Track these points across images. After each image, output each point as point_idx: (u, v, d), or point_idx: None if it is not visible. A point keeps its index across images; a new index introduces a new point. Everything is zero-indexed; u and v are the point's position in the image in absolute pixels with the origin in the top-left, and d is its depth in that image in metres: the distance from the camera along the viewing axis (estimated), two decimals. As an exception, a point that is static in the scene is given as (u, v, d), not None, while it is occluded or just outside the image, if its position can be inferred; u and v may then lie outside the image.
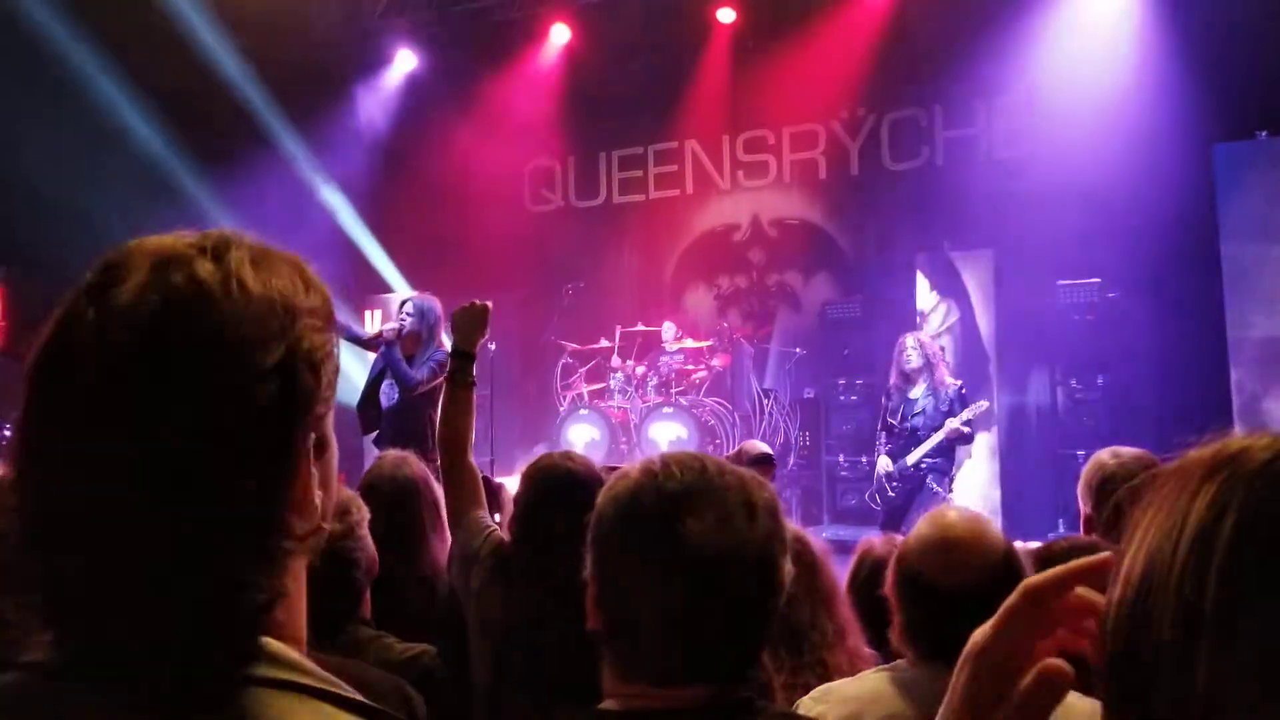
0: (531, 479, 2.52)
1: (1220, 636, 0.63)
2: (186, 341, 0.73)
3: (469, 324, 2.88)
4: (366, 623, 2.18)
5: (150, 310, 0.73)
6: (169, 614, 0.72)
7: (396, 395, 5.89)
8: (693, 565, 1.17)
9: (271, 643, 0.76)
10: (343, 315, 6.75)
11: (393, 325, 5.96)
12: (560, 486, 2.43)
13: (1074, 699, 1.56)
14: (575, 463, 2.53)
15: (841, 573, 2.61)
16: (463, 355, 2.82)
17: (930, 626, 1.82)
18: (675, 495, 1.20)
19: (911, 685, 1.83)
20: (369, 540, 2.18)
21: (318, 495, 0.80)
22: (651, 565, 1.18)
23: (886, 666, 1.93)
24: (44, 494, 0.74)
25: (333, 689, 0.76)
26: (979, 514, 1.97)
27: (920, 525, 1.93)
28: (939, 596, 1.80)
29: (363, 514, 2.18)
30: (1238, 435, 0.67)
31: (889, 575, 1.92)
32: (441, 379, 5.71)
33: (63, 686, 0.74)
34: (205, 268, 0.75)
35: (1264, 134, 7.23)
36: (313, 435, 0.79)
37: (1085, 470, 2.80)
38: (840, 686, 1.90)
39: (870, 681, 1.89)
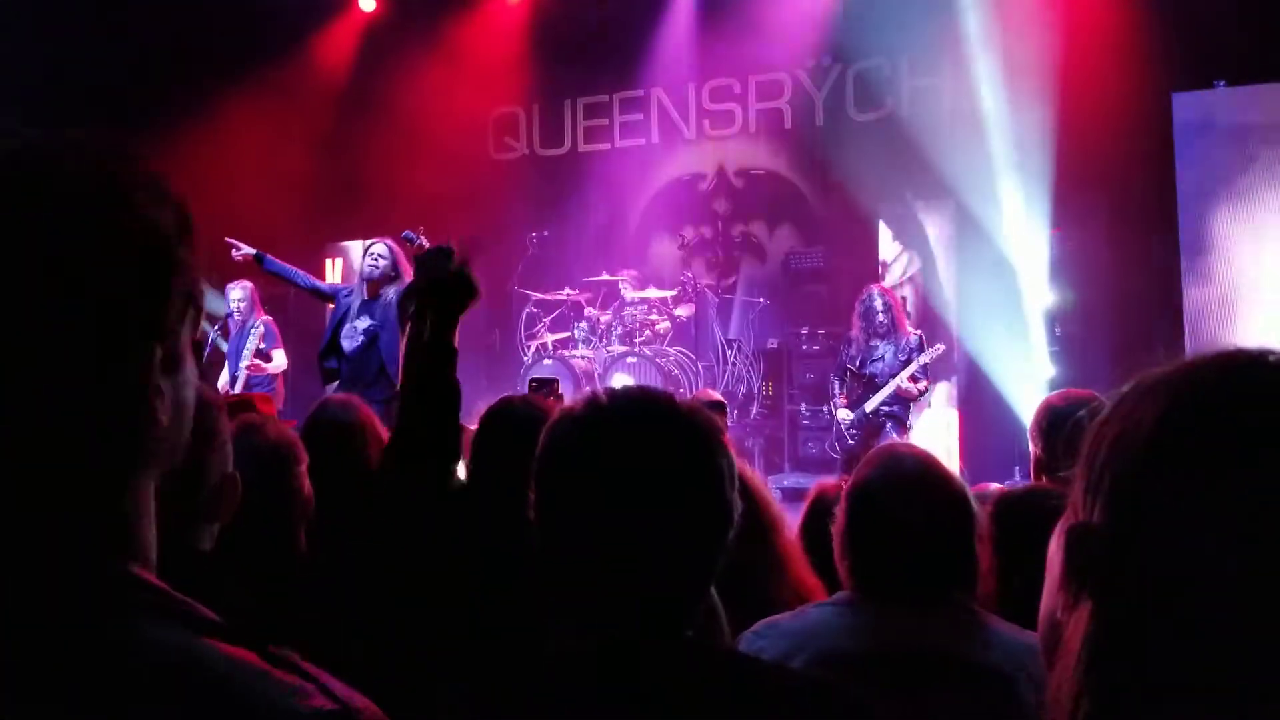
0: (487, 422, 2.50)
1: (1170, 524, 0.67)
2: (40, 232, 0.69)
3: (434, 264, 2.65)
4: (300, 563, 2.16)
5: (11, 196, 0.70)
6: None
7: (361, 339, 5.92)
8: (643, 486, 1.17)
9: (130, 566, 0.73)
10: (301, 262, 6.69)
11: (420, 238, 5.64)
12: (516, 427, 2.40)
13: (995, 621, 1.58)
14: (533, 406, 2.52)
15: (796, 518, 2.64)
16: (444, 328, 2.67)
17: (881, 558, 1.80)
18: (625, 418, 1.21)
19: (855, 619, 1.81)
20: (304, 479, 2.17)
21: (162, 410, 0.74)
22: (601, 489, 1.18)
23: (829, 600, 1.90)
24: None
25: (190, 609, 0.73)
26: (930, 451, 1.98)
27: (873, 459, 1.91)
28: (892, 527, 1.79)
29: (299, 453, 2.18)
30: (1196, 353, 0.72)
31: (839, 510, 1.89)
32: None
33: None
34: (45, 162, 0.72)
35: (1222, 83, 7.28)
36: (158, 346, 0.74)
37: (1035, 412, 2.84)
38: (781, 621, 1.87)
39: (812, 615, 1.86)
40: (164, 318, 0.74)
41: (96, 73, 8.37)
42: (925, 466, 1.86)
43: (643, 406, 1.23)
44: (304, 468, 2.18)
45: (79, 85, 8.10)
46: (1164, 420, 0.69)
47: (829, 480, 2.79)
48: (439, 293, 2.43)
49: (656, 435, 1.20)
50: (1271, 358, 0.71)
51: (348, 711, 0.70)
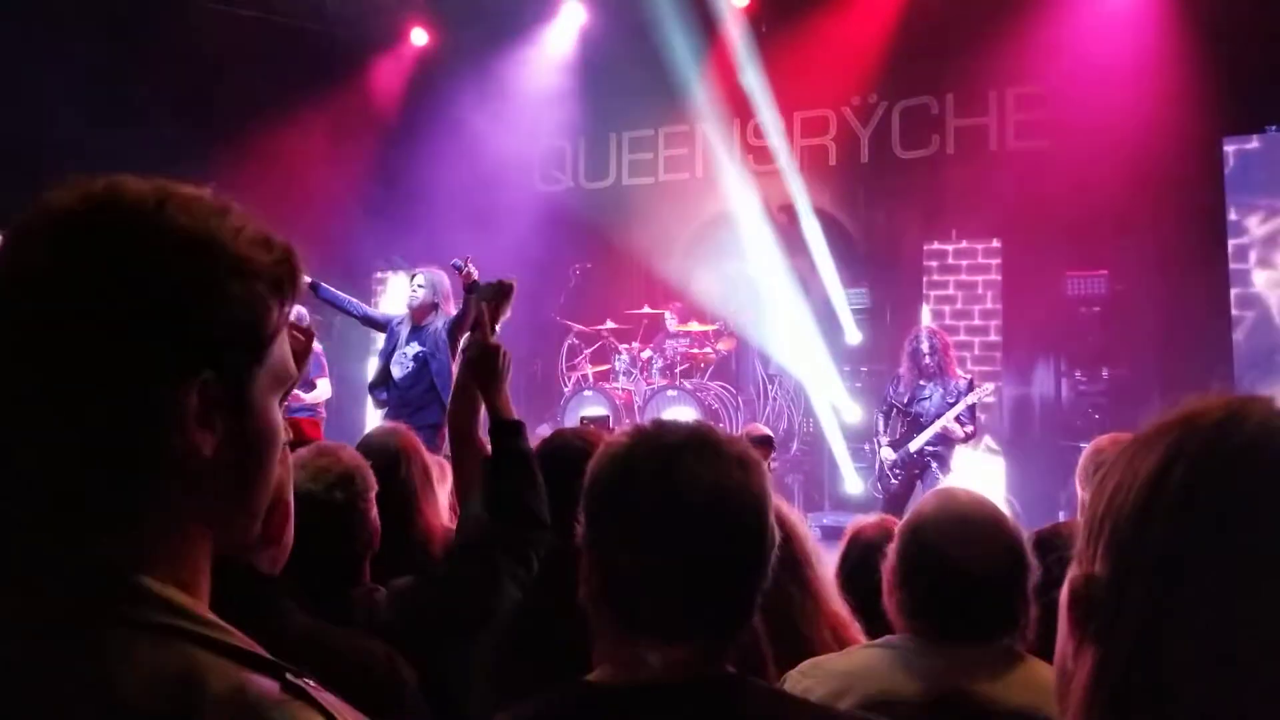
0: (540, 456, 2.50)
1: (1163, 574, 0.69)
2: (84, 238, 0.75)
3: (490, 299, 2.86)
4: (365, 591, 2.15)
5: (64, 210, 0.76)
6: (18, 535, 0.74)
7: (411, 365, 5.98)
8: (691, 511, 1.19)
9: (149, 583, 0.74)
10: (349, 289, 6.78)
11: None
12: (573, 464, 2.41)
13: (1040, 666, 1.58)
14: (587, 440, 2.52)
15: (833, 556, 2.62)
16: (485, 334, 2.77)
17: (937, 601, 1.80)
18: (672, 446, 1.22)
19: (904, 661, 1.80)
20: (373, 512, 2.16)
21: (204, 442, 0.77)
22: (651, 513, 1.20)
23: (879, 641, 1.90)
24: None
25: (204, 631, 0.74)
26: (986, 495, 1.96)
27: (930, 500, 1.91)
28: (951, 570, 1.78)
29: (369, 484, 2.15)
30: (1192, 400, 0.73)
31: (893, 548, 1.89)
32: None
33: None
34: (136, 187, 0.78)
35: (1274, 128, 7.19)
36: (209, 375, 0.77)
37: (1083, 455, 2.82)
38: (828, 661, 1.87)
39: (861, 656, 1.86)
40: (218, 345, 0.78)
41: (155, 92, 8.55)
42: (981, 509, 1.86)
43: (688, 438, 1.24)
44: (373, 495, 2.17)
45: (137, 105, 8.29)
46: (1159, 472, 0.71)
47: (865, 519, 2.76)
48: (473, 366, 2.60)
49: (702, 466, 1.21)
50: (1267, 407, 0.73)
51: None
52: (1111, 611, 0.72)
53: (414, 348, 6.00)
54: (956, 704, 1.73)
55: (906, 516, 1.95)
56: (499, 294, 2.90)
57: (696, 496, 1.19)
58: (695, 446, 1.23)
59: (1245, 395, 0.75)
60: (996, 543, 1.80)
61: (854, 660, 1.86)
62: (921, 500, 1.95)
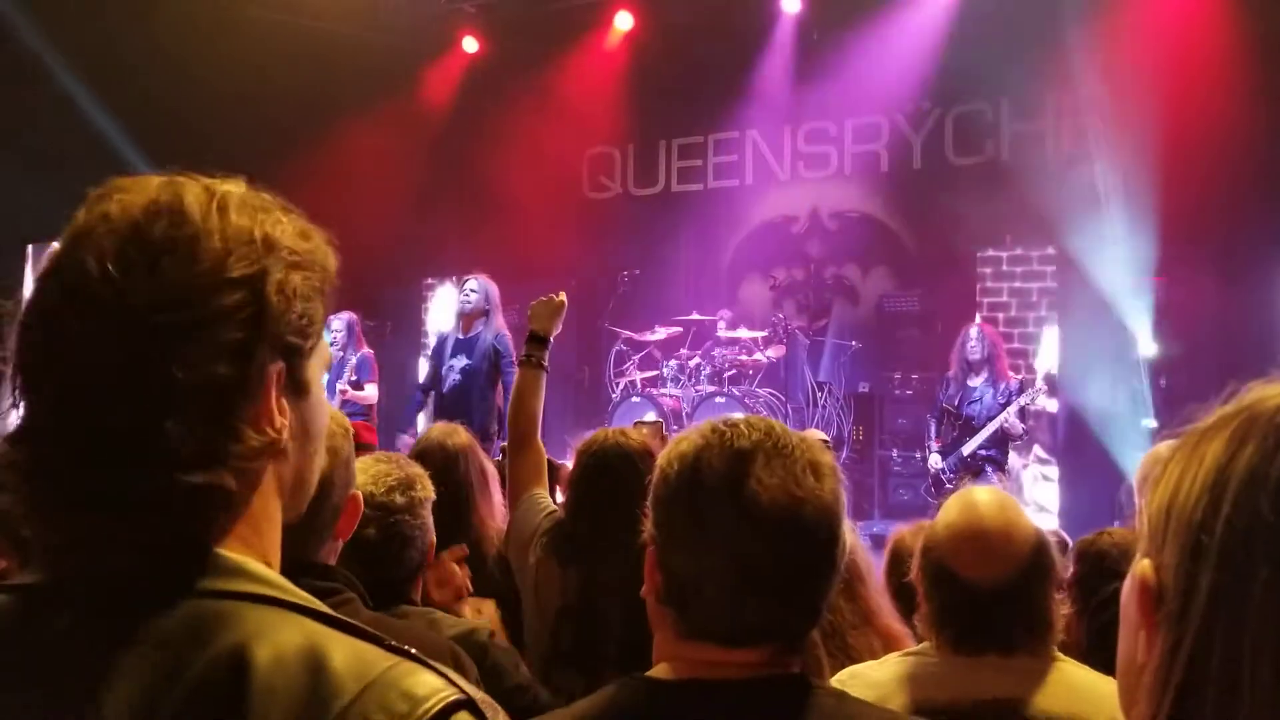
0: (584, 455, 2.54)
1: (1226, 564, 0.68)
2: (156, 245, 0.79)
3: (546, 313, 3.03)
4: (413, 603, 2.15)
5: (133, 219, 0.80)
6: (113, 507, 0.77)
7: (458, 377, 6.02)
8: (763, 518, 1.17)
9: (229, 554, 0.80)
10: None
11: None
12: (614, 462, 2.46)
13: (1076, 671, 1.55)
14: (629, 439, 2.55)
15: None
16: (538, 340, 2.98)
17: (956, 617, 1.79)
18: (744, 451, 1.21)
19: (938, 669, 1.80)
20: (429, 521, 2.15)
21: (281, 424, 0.83)
22: (721, 519, 1.18)
23: (912, 650, 1.90)
24: (28, 383, 0.80)
25: (300, 601, 0.79)
26: (1009, 499, 1.91)
27: (948, 510, 1.88)
28: (965, 588, 1.77)
29: (427, 493, 2.15)
30: (1255, 386, 0.72)
31: (914, 562, 1.88)
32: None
33: (32, 602, 0.80)
34: (194, 190, 0.83)
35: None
36: (281, 364, 0.83)
37: (1142, 461, 2.77)
38: (866, 670, 1.88)
39: (894, 666, 1.86)
40: (282, 331, 0.83)
41: (214, 101, 8.71)
42: (999, 514, 1.83)
43: (758, 442, 1.23)
44: (430, 506, 2.16)
45: (197, 114, 8.45)
46: (1225, 456, 0.71)
47: (905, 526, 2.74)
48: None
49: (771, 472, 1.20)
50: None
51: (472, 702, 0.76)
52: (1182, 597, 0.71)
53: (461, 360, 6.06)
54: (993, 713, 1.72)
55: (926, 530, 1.93)
56: (552, 310, 3.09)
57: (763, 505, 1.18)
58: (766, 451, 1.21)
59: None
60: (1009, 553, 1.78)
61: (889, 669, 1.85)
62: (940, 510, 1.91)
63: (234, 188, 0.85)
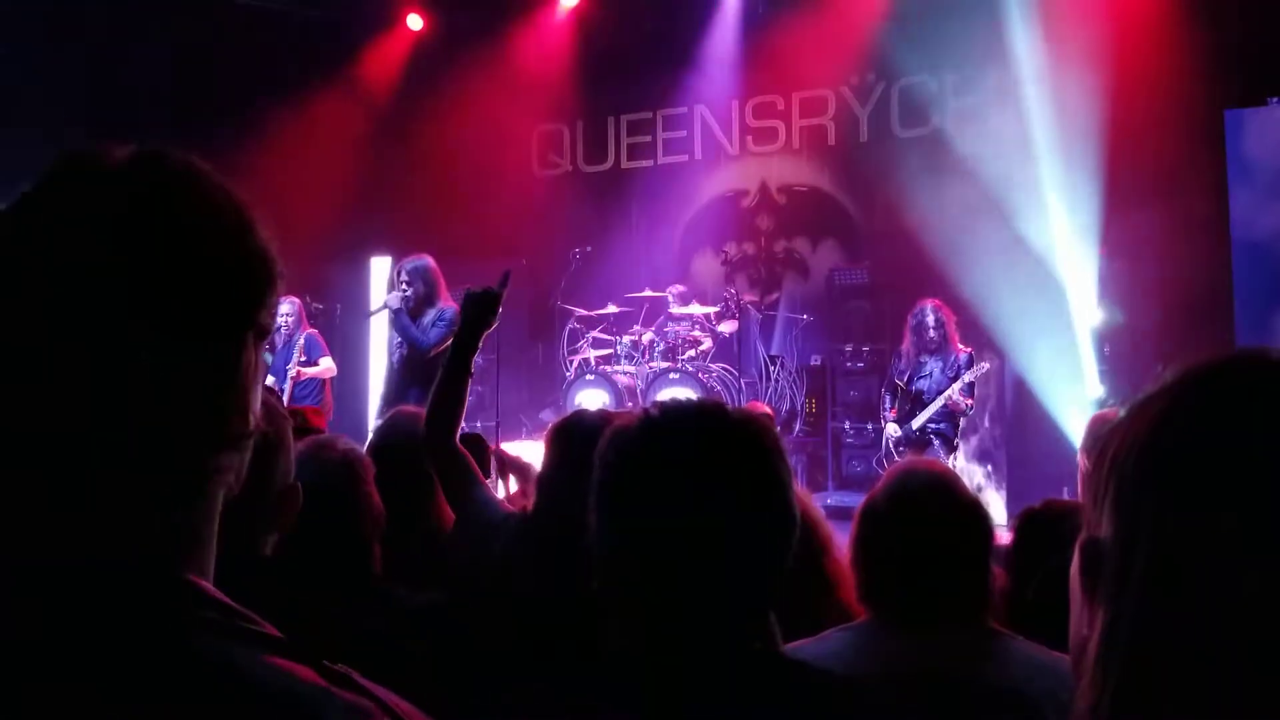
0: (560, 437, 2.47)
1: (1162, 533, 0.69)
2: (182, 212, 0.73)
3: (477, 311, 2.74)
4: (375, 577, 2.15)
5: (149, 179, 0.73)
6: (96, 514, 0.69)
7: (403, 351, 6.01)
8: (714, 491, 1.17)
9: (194, 580, 0.73)
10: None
11: (396, 295, 6.04)
12: (585, 439, 2.40)
13: (1018, 644, 1.57)
14: (606, 420, 2.50)
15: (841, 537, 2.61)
16: (465, 344, 2.72)
17: (897, 585, 1.77)
18: (680, 424, 1.22)
19: (873, 643, 1.77)
20: (374, 494, 2.15)
21: (259, 411, 0.78)
22: (667, 510, 1.17)
23: (849, 625, 1.87)
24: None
25: (248, 626, 0.72)
26: (947, 469, 1.92)
27: (886, 479, 1.87)
28: (908, 555, 1.75)
29: (367, 468, 2.15)
30: (1190, 358, 0.73)
31: (852, 530, 1.86)
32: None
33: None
34: (183, 160, 0.75)
35: (1276, 100, 7.16)
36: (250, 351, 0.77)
37: (1086, 428, 2.81)
38: (803, 646, 1.84)
39: (831, 641, 1.83)
40: (267, 304, 0.77)
41: (150, 79, 8.53)
42: (936, 484, 1.82)
43: (697, 427, 1.22)
44: (371, 481, 2.16)
45: (133, 92, 8.27)
46: (1158, 427, 0.71)
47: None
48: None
49: (712, 443, 1.20)
50: (1262, 355, 0.72)
51: None
52: (1120, 571, 0.71)
53: (396, 338, 6.07)
54: (928, 685, 1.69)
55: (864, 498, 1.91)
56: (485, 305, 2.78)
57: (714, 489, 1.17)
58: (703, 426, 1.21)
59: (1241, 347, 0.75)
60: (947, 520, 1.76)
61: (825, 646, 1.83)
62: (879, 479, 1.91)
63: (196, 161, 0.78)
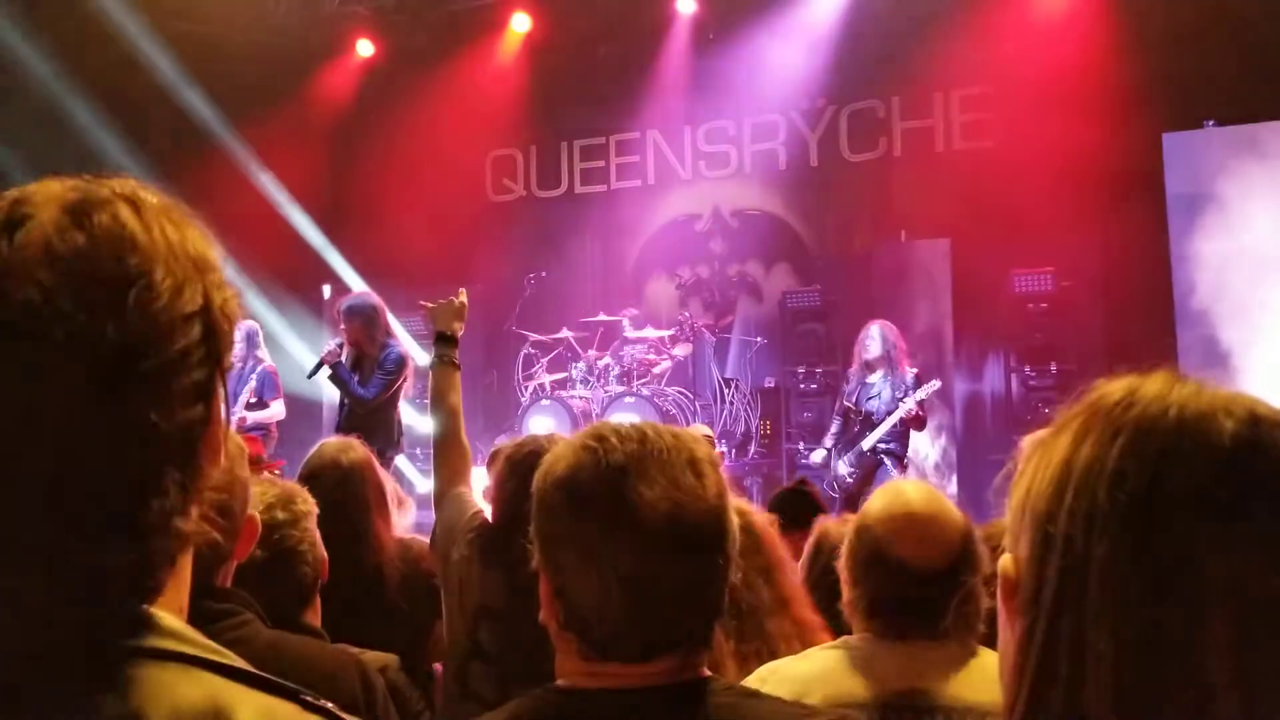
0: (512, 461, 2.50)
1: (1070, 550, 0.73)
2: (113, 280, 0.70)
3: (448, 314, 3.07)
4: (314, 630, 2.06)
5: (75, 248, 0.70)
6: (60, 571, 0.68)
7: (345, 401, 5.94)
8: (652, 535, 1.15)
9: (158, 612, 0.73)
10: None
11: (332, 347, 5.96)
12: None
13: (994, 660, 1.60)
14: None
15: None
16: (446, 339, 3.01)
17: (891, 601, 1.79)
18: (619, 466, 1.17)
19: (863, 661, 1.79)
20: (317, 535, 2.09)
21: (225, 453, 0.78)
22: (611, 545, 1.15)
23: (836, 643, 1.88)
24: None
25: (220, 659, 0.73)
26: (935, 490, 1.96)
27: (880, 498, 1.89)
28: (905, 571, 1.77)
29: (309, 506, 2.11)
30: (1104, 382, 0.76)
31: (844, 548, 1.88)
32: (399, 381, 5.78)
33: None
34: (126, 212, 0.73)
35: (1212, 123, 7.37)
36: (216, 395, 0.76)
37: (1020, 451, 2.84)
38: (785, 665, 1.86)
39: (818, 659, 1.84)
40: (227, 356, 0.77)
41: (105, 112, 8.43)
42: (928, 505, 1.85)
43: (632, 453, 1.19)
44: (314, 519, 2.11)
45: (83, 122, 8.17)
46: (1068, 453, 0.75)
47: (829, 520, 2.76)
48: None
49: (651, 483, 1.17)
50: (1164, 382, 0.77)
51: None
52: (1034, 587, 0.75)
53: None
54: (912, 704, 1.72)
55: (857, 515, 1.94)
56: (452, 311, 3.11)
57: (649, 522, 1.15)
58: (640, 462, 1.18)
59: (1145, 374, 0.79)
60: (943, 539, 1.80)
61: (810, 664, 1.84)
62: (871, 497, 1.93)
63: (147, 195, 0.76)
